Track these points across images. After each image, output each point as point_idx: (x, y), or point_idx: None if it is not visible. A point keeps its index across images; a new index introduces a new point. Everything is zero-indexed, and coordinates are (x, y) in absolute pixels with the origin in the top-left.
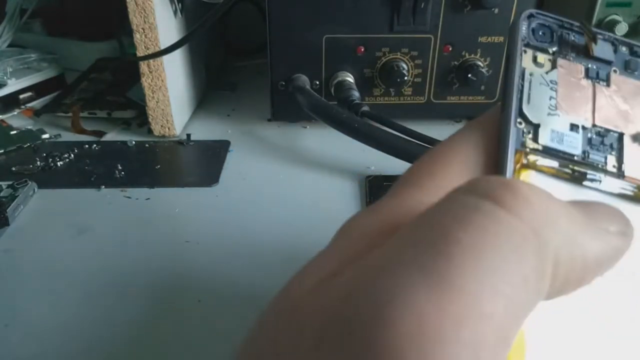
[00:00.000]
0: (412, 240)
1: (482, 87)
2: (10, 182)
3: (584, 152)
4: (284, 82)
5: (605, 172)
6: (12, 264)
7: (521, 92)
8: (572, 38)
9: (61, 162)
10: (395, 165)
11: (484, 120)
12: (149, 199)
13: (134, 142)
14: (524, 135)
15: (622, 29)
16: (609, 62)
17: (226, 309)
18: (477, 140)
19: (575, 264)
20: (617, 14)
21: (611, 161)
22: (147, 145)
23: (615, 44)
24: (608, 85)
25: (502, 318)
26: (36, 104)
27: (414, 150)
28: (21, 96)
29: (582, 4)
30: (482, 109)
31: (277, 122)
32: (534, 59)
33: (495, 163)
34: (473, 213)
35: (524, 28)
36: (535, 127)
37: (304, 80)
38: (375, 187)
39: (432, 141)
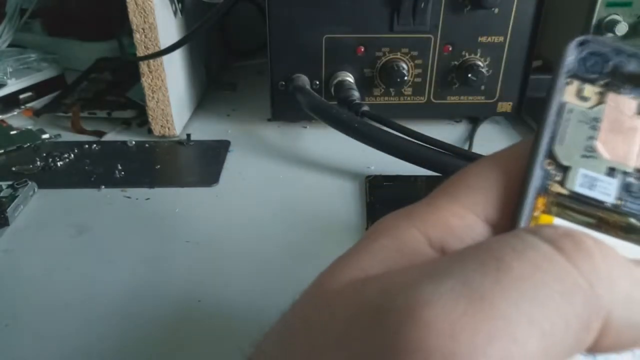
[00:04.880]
0: (463, 259)
1: (482, 87)
2: (10, 182)
3: (618, 199)
4: (284, 82)
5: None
6: (12, 264)
7: (555, 130)
8: (633, 68)
9: (61, 162)
10: (395, 165)
11: (507, 155)
12: (149, 199)
13: (134, 142)
14: (551, 178)
15: (622, 29)
16: None
17: (226, 309)
18: (496, 177)
19: (629, 327)
20: (617, 14)
21: None
22: (147, 145)
23: None
24: None
25: (533, 350)
26: (36, 104)
27: (414, 150)
28: (21, 96)
29: (582, 4)
30: (482, 109)
31: (277, 122)
32: (579, 92)
33: (514, 203)
34: (530, 249)
35: (571, 57)
36: (564, 169)
37: (304, 80)
38: (375, 187)
39: (432, 141)
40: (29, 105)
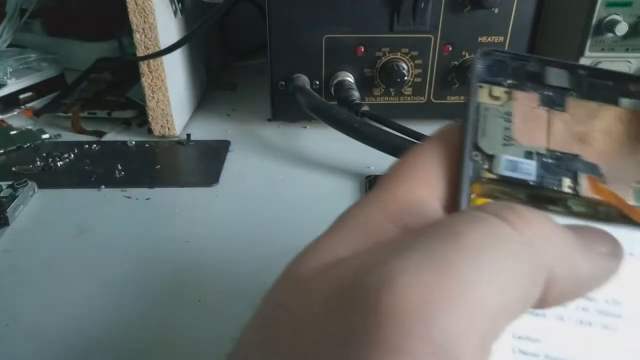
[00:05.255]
0: (425, 234)
1: None
2: (10, 182)
3: (538, 176)
4: (284, 82)
5: (561, 193)
6: (12, 264)
7: (476, 126)
8: (529, 69)
9: (61, 162)
10: None
11: (447, 135)
12: (149, 199)
13: (134, 142)
14: (480, 166)
15: (622, 29)
16: (565, 88)
17: (226, 309)
18: (441, 158)
19: (568, 280)
20: (617, 14)
21: (566, 183)
22: (147, 145)
23: (572, 69)
24: (564, 110)
25: (493, 305)
26: (36, 104)
27: None
28: (21, 96)
29: (582, 4)
30: None
31: (277, 122)
32: (490, 93)
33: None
34: (482, 222)
35: (479, 66)
36: (490, 158)
37: (304, 80)
38: None
39: None
40: (29, 105)
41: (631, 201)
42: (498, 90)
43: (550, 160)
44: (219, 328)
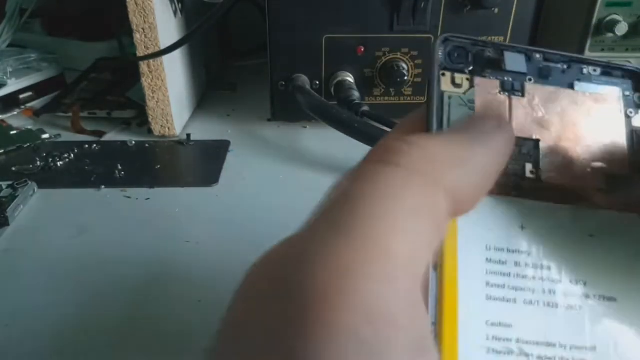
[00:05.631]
0: (322, 204)
1: None
2: (10, 182)
3: None
4: (284, 82)
5: (524, 178)
6: (12, 264)
7: (441, 116)
8: (487, 55)
9: (61, 162)
10: None
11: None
12: (149, 199)
13: (134, 142)
14: None
15: (622, 29)
16: (523, 73)
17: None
18: None
19: (472, 183)
20: (617, 14)
21: (528, 168)
22: (147, 145)
23: (528, 54)
24: (523, 95)
25: (405, 251)
26: (36, 104)
27: None
28: (21, 96)
29: (582, 4)
30: None
31: (277, 122)
32: (453, 81)
33: None
34: (363, 172)
35: (440, 53)
36: None
37: (304, 80)
38: None
39: None
40: (29, 105)
41: (590, 183)
42: (460, 78)
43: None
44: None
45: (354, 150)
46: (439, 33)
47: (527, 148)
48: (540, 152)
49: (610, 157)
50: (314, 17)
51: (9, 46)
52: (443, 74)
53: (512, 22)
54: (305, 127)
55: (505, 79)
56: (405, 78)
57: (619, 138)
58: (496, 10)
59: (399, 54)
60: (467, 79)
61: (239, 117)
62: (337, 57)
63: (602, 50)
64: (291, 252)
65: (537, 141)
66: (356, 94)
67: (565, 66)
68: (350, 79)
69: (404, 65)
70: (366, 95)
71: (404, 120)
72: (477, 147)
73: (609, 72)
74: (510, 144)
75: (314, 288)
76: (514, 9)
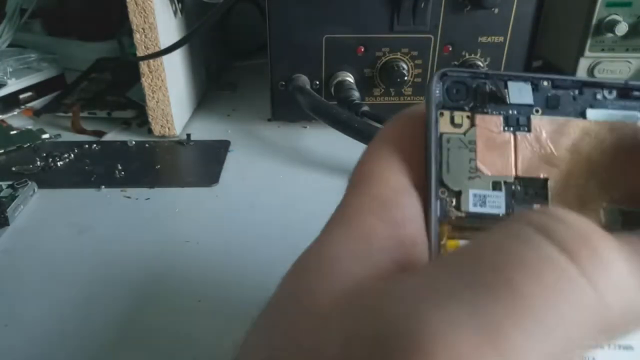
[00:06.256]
0: (462, 275)
1: None
2: (10, 182)
3: (508, 208)
4: (284, 82)
5: None
6: (12, 264)
7: (440, 161)
8: (489, 87)
9: (61, 162)
10: None
11: (399, 132)
12: (149, 199)
13: (134, 142)
14: (447, 204)
15: (622, 29)
16: (529, 105)
17: (226, 309)
18: (397, 145)
19: (629, 326)
20: (617, 14)
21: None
22: (147, 145)
23: (534, 82)
24: (529, 130)
25: None
26: (36, 104)
27: None
28: (21, 96)
29: (582, 4)
30: None
31: (277, 122)
32: (452, 121)
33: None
34: (543, 263)
35: (437, 91)
36: (457, 194)
37: (304, 80)
38: None
39: None
40: (29, 105)
41: (602, 223)
42: (459, 116)
43: (519, 188)
44: (219, 328)
45: (353, 150)
46: (439, 33)
47: (534, 188)
48: (549, 192)
49: (627, 192)
50: (314, 17)
51: (9, 46)
52: (441, 114)
53: (512, 22)
54: (305, 127)
55: (510, 112)
56: (405, 78)
57: (637, 170)
58: (496, 10)
59: (399, 54)
60: (468, 117)
61: (239, 117)
62: (337, 57)
63: (602, 50)
64: (404, 309)
65: (546, 180)
66: (356, 94)
67: (576, 92)
68: (350, 79)
69: (404, 65)
70: (366, 95)
71: (400, 115)
72: None
73: (627, 92)
74: None
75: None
76: (514, 9)
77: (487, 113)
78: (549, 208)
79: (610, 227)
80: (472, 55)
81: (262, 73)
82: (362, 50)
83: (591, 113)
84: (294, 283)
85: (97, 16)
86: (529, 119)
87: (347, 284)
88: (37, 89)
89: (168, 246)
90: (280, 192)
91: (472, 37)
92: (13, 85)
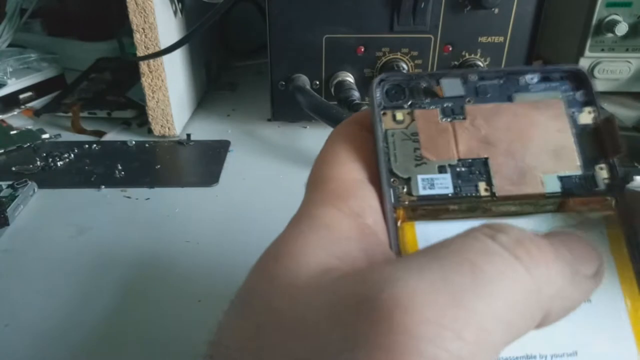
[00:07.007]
0: (439, 257)
1: None
2: (10, 182)
3: (455, 187)
4: (284, 82)
5: (479, 198)
6: (12, 264)
7: (387, 153)
8: (424, 86)
9: (61, 162)
10: None
11: (347, 131)
12: (149, 199)
13: (134, 142)
14: (399, 191)
15: (622, 29)
16: (461, 97)
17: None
18: (350, 141)
19: (560, 312)
20: (617, 14)
21: (482, 187)
22: (147, 145)
23: (463, 77)
24: (464, 117)
25: (497, 339)
26: (36, 104)
27: None
28: (21, 96)
29: (582, 4)
30: None
31: (277, 122)
32: (394, 118)
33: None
34: (497, 256)
35: (378, 94)
36: (407, 181)
37: (304, 80)
38: None
39: None
40: (29, 105)
41: (541, 190)
42: (400, 114)
43: (463, 169)
44: None
45: None
46: (439, 33)
47: (477, 168)
48: (490, 168)
49: (560, 159)
50: (314, 17)
51: (9, 46)
52: (384, 113)
53: (512, 22)
54: (305, 127)
55: (445, 105)
56: None
57: (566, 140)
58: (496, 10)
59: (399, 54)
60: (408, 114)
61: (239, 117)
62: (337, 57)
63: (602, 50)
64: (379, 279)
65: (486, 159)
66: (356, 94)
67: (501, 81)
68: (350, 79)
69: (404, 65)
70: (366, 95)
71: (349, 119)
72: (576, 288)
73: (547, 76)
74: (593, 292)
75: (405, 323)
76: (514, 9)
77: (424, 108)
78: (495, 223)
79: (552, 192)
80: (472, 55)
81: (262, 73)
82: (362, 50)
83: (518, 96)
84: (267, 269)
85: (97, 16)
86: (462, 108)
87: (317, 269)
88: (37, 89)
89: (168, 246)
90: (280, 192)
91: (472, 37)
92: (13, 85)
